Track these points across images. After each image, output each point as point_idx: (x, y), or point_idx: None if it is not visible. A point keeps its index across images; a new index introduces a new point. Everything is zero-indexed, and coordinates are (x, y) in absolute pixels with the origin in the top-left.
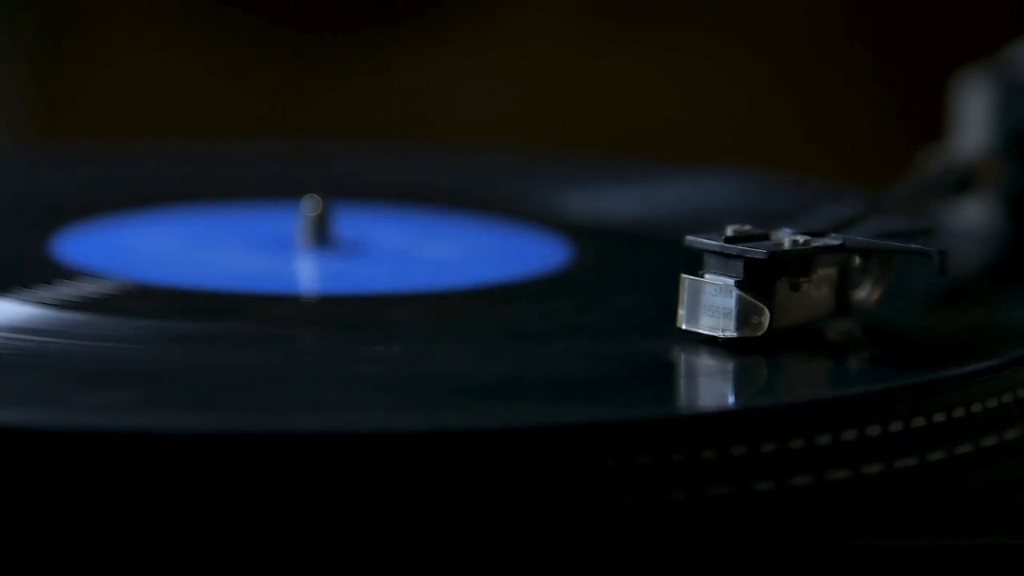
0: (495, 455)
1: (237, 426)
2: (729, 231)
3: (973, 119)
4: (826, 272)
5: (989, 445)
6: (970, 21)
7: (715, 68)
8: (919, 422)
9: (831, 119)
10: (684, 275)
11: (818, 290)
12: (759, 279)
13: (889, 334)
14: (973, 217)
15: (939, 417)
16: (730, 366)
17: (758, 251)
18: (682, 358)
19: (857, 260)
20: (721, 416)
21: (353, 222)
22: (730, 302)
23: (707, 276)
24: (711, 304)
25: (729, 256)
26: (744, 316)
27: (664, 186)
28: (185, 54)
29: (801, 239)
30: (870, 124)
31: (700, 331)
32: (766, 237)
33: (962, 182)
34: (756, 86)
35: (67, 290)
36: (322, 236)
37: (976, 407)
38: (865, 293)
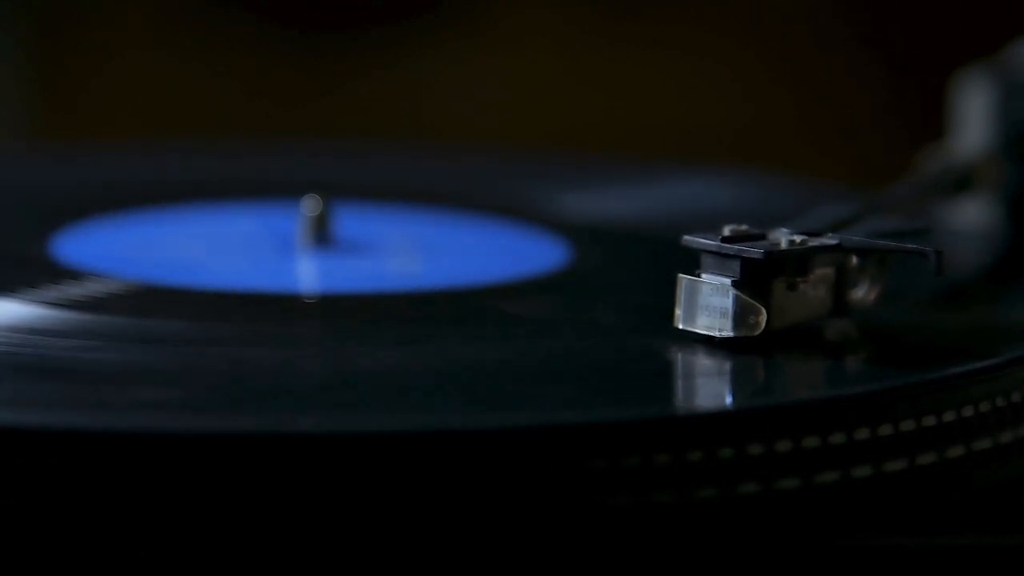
0: (490, 455)
1: (236, 426)
2: (726, 231)
3: (973, 119)
4: (823, 272)
5: (986, 447)
6: (970, 21)
7: (715, 67)
8: (916, 423)
9: (831, 119)
10: (681, 275)
11: (815, 290)
12: (756, 279)
13: (887, 334)
14: (973, 217)
15: (937, 418)
16: (727, 366)
17: (755, 251)
18: (679, 358)
19: (854, 260)
20: (718, 416)
21: (353, 222)
22: (727, 302)
23: (704, 276)
24: (708, 304)
25: (726, 256)
26: (741, 316)
27: (663, 186)
28: (185, 54)
29: (798, 239)
30: (870, 124)
31: (697, 331)
32: (763, 237)
33: (962, 182)
34: (756, 86)
35: (67, 290)
36: (322, 236)
37: (974, 408)
38: (862, 293)
